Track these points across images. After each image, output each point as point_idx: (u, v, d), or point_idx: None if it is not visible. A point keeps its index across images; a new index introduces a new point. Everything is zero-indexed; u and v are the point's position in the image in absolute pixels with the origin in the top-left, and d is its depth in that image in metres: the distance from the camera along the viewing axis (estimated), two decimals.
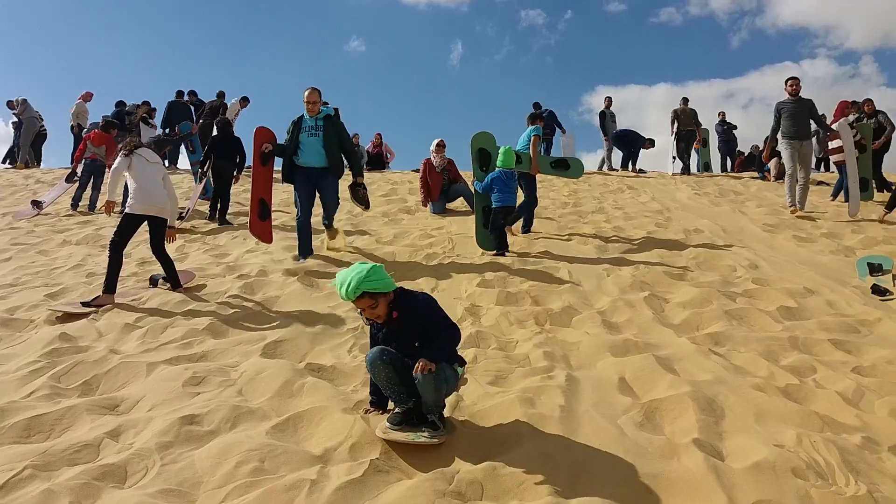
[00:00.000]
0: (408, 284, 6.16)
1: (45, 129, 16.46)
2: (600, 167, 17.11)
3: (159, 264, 6.11)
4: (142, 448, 3.11)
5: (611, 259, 7.17)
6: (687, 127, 15.79)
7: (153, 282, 6.29)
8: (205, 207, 10.33)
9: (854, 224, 9.18)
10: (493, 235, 7.68)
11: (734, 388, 3.71)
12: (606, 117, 16.60)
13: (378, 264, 3.14)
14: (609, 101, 16.96)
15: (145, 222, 5.93)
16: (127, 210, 5.87)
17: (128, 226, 5.85)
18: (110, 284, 5.64)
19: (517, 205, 7.90)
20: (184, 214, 9.55)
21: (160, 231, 5.98)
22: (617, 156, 16.84)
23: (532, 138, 8.50)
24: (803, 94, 9.62)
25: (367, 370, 3.28)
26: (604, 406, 3.52)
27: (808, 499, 2.60)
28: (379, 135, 17.48)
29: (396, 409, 3.21)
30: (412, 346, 3.18)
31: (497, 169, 7.76)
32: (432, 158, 10.41)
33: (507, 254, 7.48)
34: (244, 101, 16.67)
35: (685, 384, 3.71)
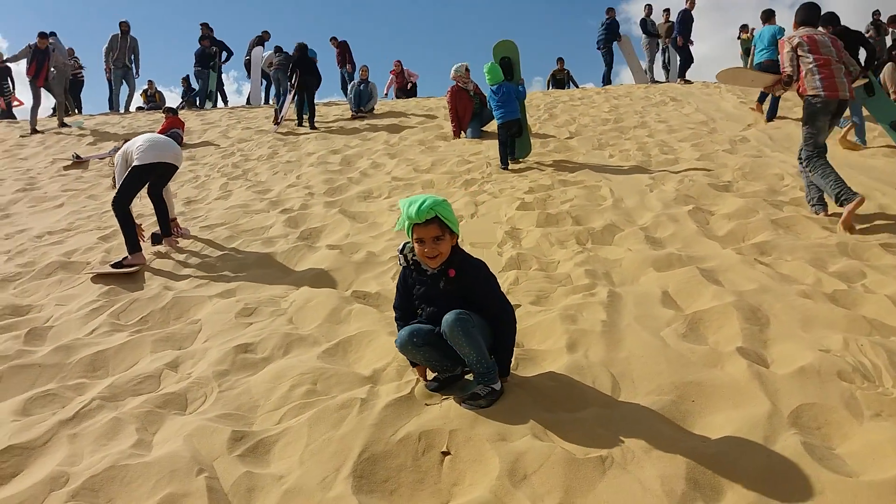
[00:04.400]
0: None
1: (82, 76, 16.51)
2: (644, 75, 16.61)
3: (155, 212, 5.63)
4: (200, 377, 3.28)
5: (654, 174, 7.03)
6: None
7: (156, 239, 5.79)
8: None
9: None
10: (500, 150, 8.03)
11: (780, 296, 3.66)
12: (648, 24, 16.02)
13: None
14: (649, 8, 16.31)
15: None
16: (136, 163, 5.28)
17: (137, 181, 5.32)
18: (133, 243, 5.19)
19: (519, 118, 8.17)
20: (279, 120, 12.20)
21: (168, 176, 5.59)
22: (658, 70, 16.32)
23: (779, 43, 6.12)
24: None
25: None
26: (646, 319, 3.52)
27: (853, 401, 2.60)
28: (398, 62, 17.09)
29: (436, 376, 2.95)
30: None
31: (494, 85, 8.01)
32: (461, 84, 10.20)
33: (509, 167, 7.99)
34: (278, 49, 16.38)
35: (729, 294, 3.68)
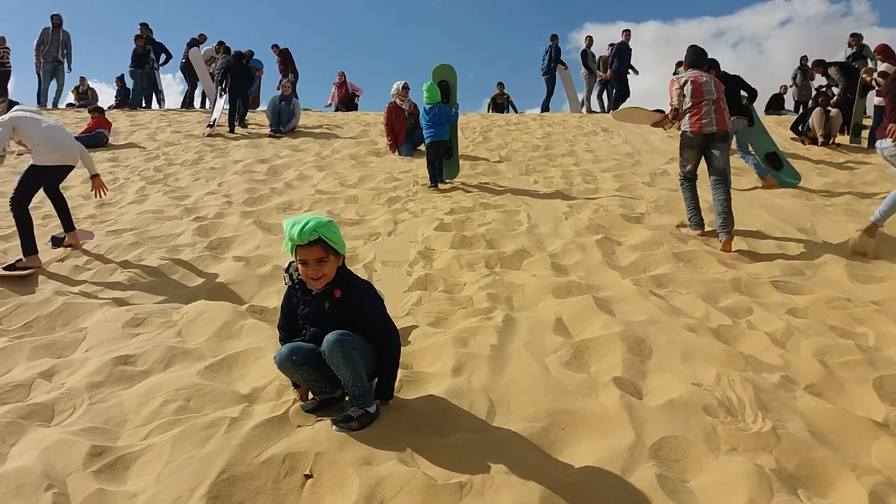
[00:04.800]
0: (366, 228, 6.19)
1: (9, 66, 15.89)
2: (580, 107, 16.96)
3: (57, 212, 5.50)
4: (72, 388, 3.15)
5: (572, 202, 7.17)
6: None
7: (55, 242, 5.59)
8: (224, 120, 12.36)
9: (820, 167, 9.21)
10: (428, 169, 8.15)
11: (666, 328, 3.76)
12: (588, 57, 16.39)
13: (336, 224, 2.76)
14: (590, 40, 16.70)
15: None
16: (35, 162, 5.11)
17: (36, 180, 5.16)
18: (29, 245, 5.00)
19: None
20: (211, 124, 12.06)
21: (66, 175, 5.41)
22: (595, 101, 16.70)
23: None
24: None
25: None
26: (535, 345, 3.57)
27: (713, 435, 2.68)
28: (342, 73, 17.13)
29: (314, 397, 2.91)
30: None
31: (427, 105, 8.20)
32: (398, 102, 10.27)
33: (438, 186, 8.09)
34: (220, 45, 16.22)
35: (618, 324, 3.76)
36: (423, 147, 10.38)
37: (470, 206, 7.03)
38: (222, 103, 12.43)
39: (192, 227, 6.12)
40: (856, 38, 12.95)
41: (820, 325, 3.96)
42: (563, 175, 8.74)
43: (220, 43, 15.55)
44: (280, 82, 12.94)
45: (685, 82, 5.87)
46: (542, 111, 16.97)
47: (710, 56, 9.66)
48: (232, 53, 12.61)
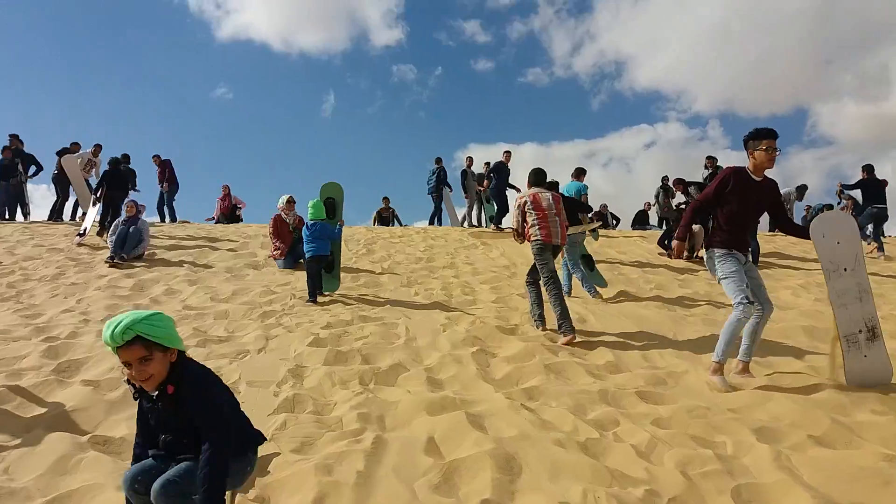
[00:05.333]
0: (234, 345, 5.90)
1: None
2: (461, 223, 17.49)
3: None
4: None
5: (451, 314, 7.21)
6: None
7: None
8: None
9: (682, 278, 9.82)
10: (308, 283, 8.04)
11: (536, 443, 3.72)
12: (468, 176, 17.06)
13: (164, 314, 2.51)
14: (470, 160, 17.46)
15: None
16: None
17: None
18: None
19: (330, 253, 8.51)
20: (82, 233, 11.62)
21: None
22: (475, 214, 17.29)
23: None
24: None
25: None
26: (405, 469, 3.42)
27: None
28: (226, 186, 17.01)
29: None
30: (185, 442, 2.55)
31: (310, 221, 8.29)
32: (283, 215, 10.25)
33: (317, 300, 7.93)
34: (97, 148, 15.76)
35: (489, 441, 3.68)
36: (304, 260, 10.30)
37: (348, 320, 6.90)
38: (96, 212, 12.03)
39: (41, 347, 5.60)
40: (711, 160, 14.24)
41: (682, 435, 4.04)
42: (444, 287, 8.83)
43: (98, 146, 15.15)
44: (126, 203, 10.89)
45: (525, 201, 6.61)
46: (429, 224, 17.37)
47: (585, 172, 10.55)
48: (110, 160, 12.33)
